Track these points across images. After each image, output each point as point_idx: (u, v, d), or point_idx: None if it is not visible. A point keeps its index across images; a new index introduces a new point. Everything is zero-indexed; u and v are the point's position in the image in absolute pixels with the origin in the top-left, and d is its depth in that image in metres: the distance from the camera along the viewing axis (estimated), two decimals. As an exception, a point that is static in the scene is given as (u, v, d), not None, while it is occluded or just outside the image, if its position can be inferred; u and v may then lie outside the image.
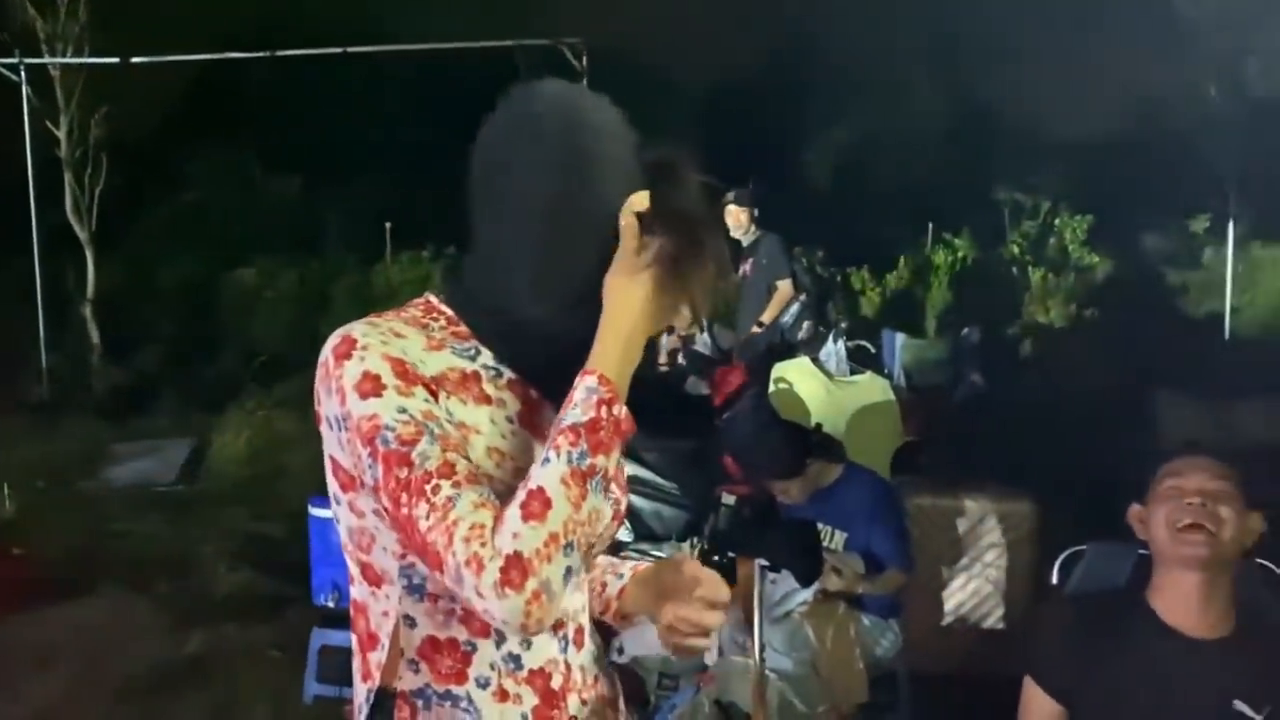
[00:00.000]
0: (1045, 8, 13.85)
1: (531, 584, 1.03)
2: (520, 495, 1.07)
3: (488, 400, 1.20)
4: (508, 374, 1.23)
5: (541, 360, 1.22)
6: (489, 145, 1.24)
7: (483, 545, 1.04)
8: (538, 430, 1.21)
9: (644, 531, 4.11)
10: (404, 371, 1.12)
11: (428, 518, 1.06)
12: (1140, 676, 1.92)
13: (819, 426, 3.48)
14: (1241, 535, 1.90)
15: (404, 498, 1.07)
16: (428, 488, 1.06)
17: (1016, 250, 11.50)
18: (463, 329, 1.24)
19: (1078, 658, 1.98)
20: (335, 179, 11.17)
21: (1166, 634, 1.93)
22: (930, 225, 11.49)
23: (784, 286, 5.58)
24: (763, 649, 2.72)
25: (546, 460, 1.08)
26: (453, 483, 1.07)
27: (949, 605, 3.84)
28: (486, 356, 1.23)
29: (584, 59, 7.52)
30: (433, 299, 1.28)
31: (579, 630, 1.28)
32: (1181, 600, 1.93)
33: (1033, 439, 5.38)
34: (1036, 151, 12.86)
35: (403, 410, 1.10)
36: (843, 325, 4.48)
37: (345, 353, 1.13)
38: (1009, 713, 2.05)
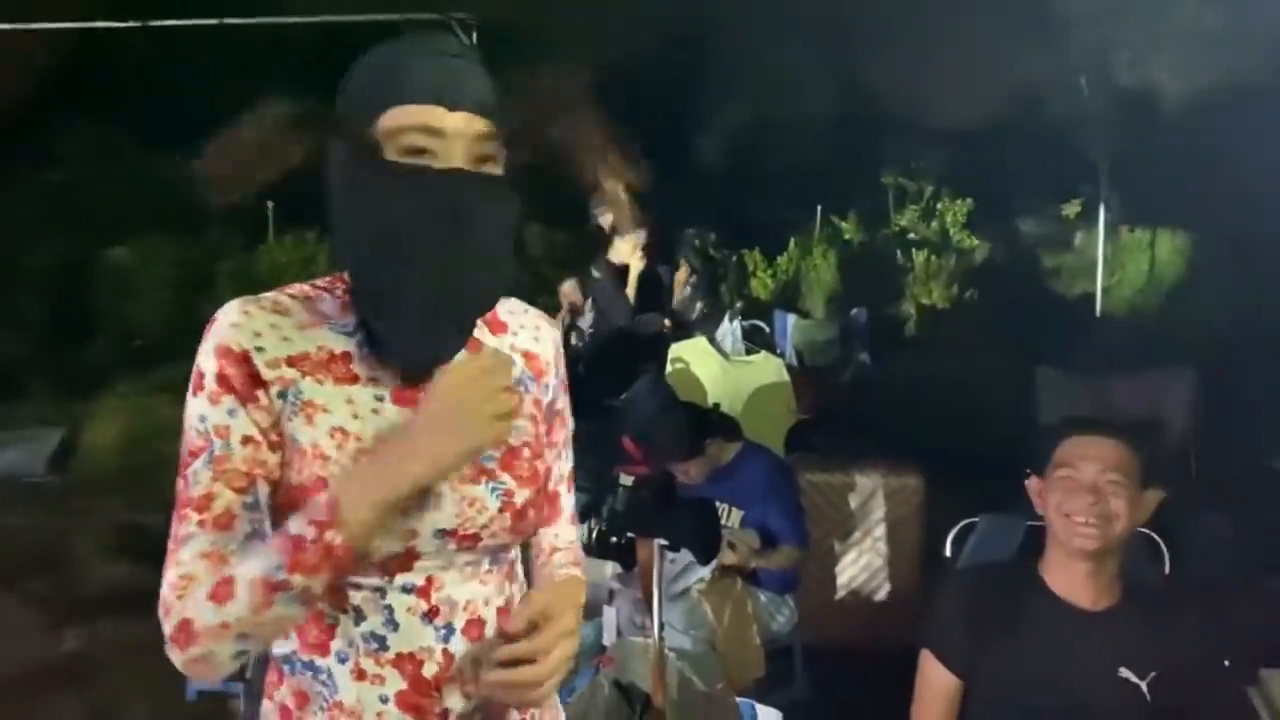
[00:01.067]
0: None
1: (195, 651, 1.09)
2: (223, 572, 1.10)
3: (353, 379, 1.19)
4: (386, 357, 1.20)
5: (388, 331, 1.19)
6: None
7: (178, 598, 1.10)
8: (415, 406, 1.19)
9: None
10: (222, 372, 1.14)
11: (170, 540, 1.13)
12: (1032, 647, 1.98)
13: (717, 406, 3.50)
14: (1134, 519, 1.96)
15: (175, 512, 1.15)
16: (181, 513, 1.13)
17: (900, 233, 11.77)
18: (349, 301, 1.22)
19: (973, 631, 2.03)
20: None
21: (1057, 606, 2.00)
22: (819, 208, 11.68)
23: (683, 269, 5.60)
24: (662, 628, 2.74)
25: (258, 555, 1.09)
26: (199, 521, 1.12)
27: (841, 579, 3.92)
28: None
29: (474, 35, 7.38)
30: (346, 275, 1.25)
31: (475, 622, 1.24)
32: (1071, 575, 1.99)
33: (918, 416, 5.54)
34: (920, 136, 13.17)
35: (202, 419, 1.15)
36: (738, 306, 4.51)
37: (206, 333, 1.17)
38: (901, 683, 2.10)
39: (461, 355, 1.19)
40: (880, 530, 3.84)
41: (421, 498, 1.17)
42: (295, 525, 1.09)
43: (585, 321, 6.96)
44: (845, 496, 3.85)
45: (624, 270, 5.34)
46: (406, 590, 1.20)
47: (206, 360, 1.16)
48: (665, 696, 2.81)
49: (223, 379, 1.15)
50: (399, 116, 1.13)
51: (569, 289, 6.80)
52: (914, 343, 9.30)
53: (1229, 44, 11.84)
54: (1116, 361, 4.79)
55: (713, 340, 4.28)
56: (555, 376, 1.36)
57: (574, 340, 7.08)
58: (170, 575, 1.11)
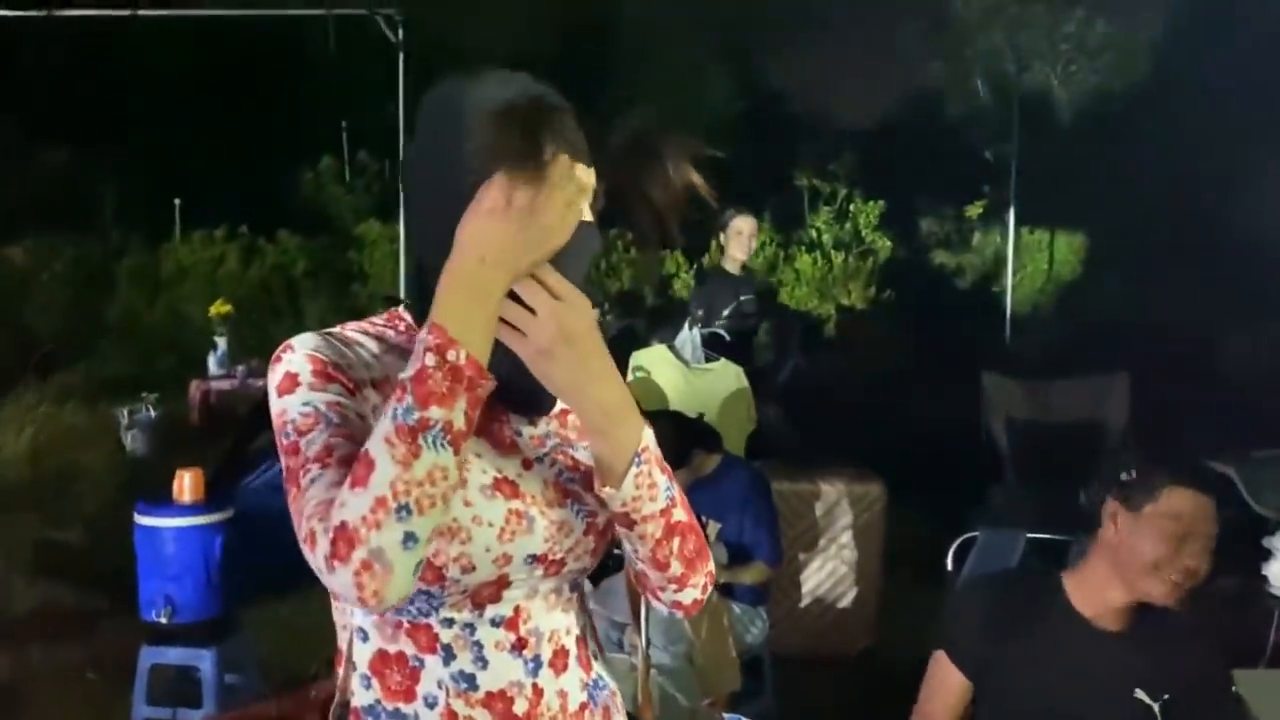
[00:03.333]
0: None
1: (359, 554, 0.96)
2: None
3: None
4: None
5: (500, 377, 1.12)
6: (415, 141, 1.19)
7: (320, 520, 0.99)
8: (495, 436, 1.18)
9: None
10: (322, 370, 1.09)
11: (295, 502, 1.03)
12: (1048, 660, 1.99)
13: (701, 416, 3.48)
14: None
15: (289, 489, 1.05)
16: (302, 472, 1.04)
17: (816, 234, 11.94)
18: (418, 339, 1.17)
19: (990, 636, 2.03)
20: (114, 150, 10.31)
21: (1077, 621, 2.00)
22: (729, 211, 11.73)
23: None
24: (648, 645, 2.70)
25: (383, 416, 1.01)
26: (322, 465, 1.03)
27: (806, 587, 3.93)
28: None
29: (399, 31, 7.21)
30: (399, 310, 1.24)
31: (560, 652, 1.20)
32: (1100, 596, 2.00)
33: (856, 418, 5.61)
34: (832, 138, 13.37)
35: (307, 404, 1.07)
36: (699, 313, 4.49)
37: (277, 358, 1.12)
38: (864, 688, 2.11)
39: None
40: (846, 537, 3.87)
41: (518, 521, 1.13)
42: (411, 366, 1.01)
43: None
44: (811, 505, 3.86)
45: None
46: (495, 624, 1.16)
47: (296, 364, 1.10)
48: (653, 715, 2.77)
49: (322, 374, 1.10)
50: (557, 171, 1.06)
51: None
52: (834, 344, 9.44)
53: (1115, 52, 12.40)
54: (1048, 365, 4.92)
55: (672, 348, 4.26)
56: None
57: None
58: (304, 517, 1.01)
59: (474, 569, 1.12)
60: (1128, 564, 1.95)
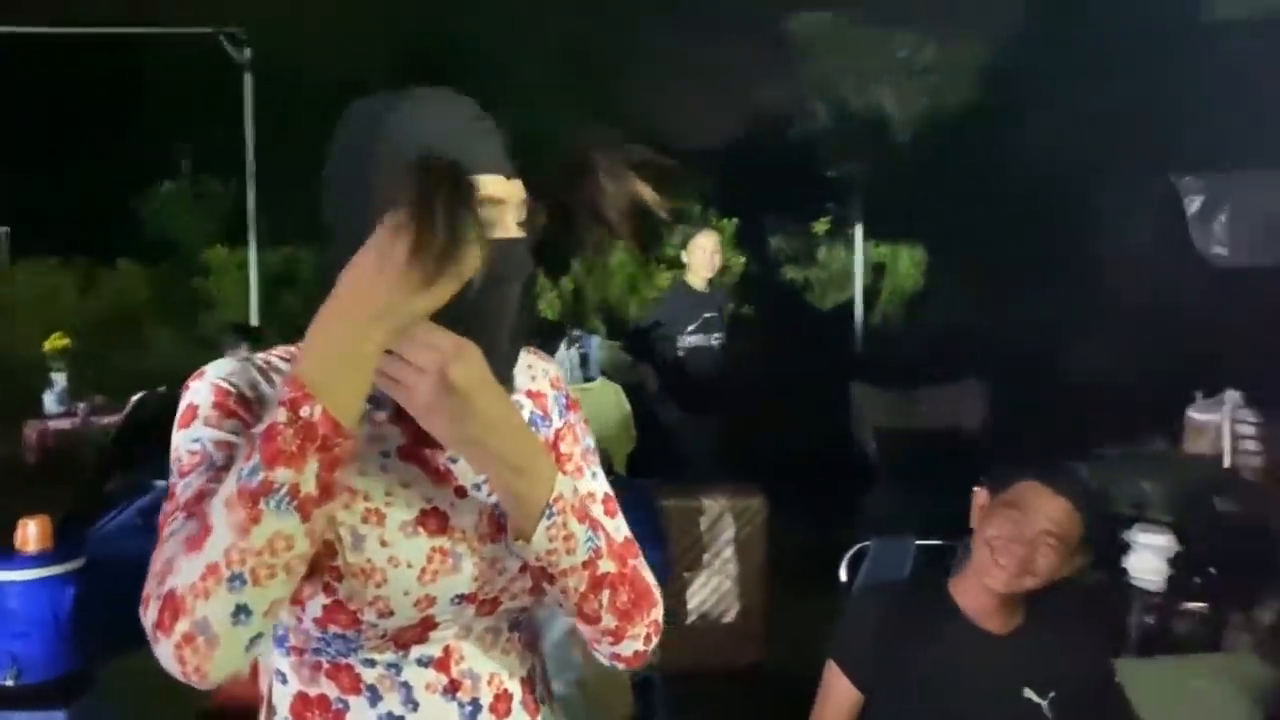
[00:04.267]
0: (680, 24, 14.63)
1: (183, 625, 0.88)
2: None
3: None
4: (392, 406, 1.08)
5: None
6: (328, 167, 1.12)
7: (158, 584, 0.91)
8: (426, 464, 1.11)
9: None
10: (223, 403, 1.03)
11: (155, 552, 0.95)
12: (939, 665, 2.02)
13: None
14: (1050, 577, 2.00)
15: (160, 532, 0.98)
16: (168, 520, 0.97)
17: (673, 252, 12.06)
18: None
19: (881, 646, 2.06)
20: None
21: (966, 627, 2.05)
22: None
23: None
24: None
25: (230, 475, 0.93)
26: (187, 514, 0.95)
27: (692, 604, 3.92)
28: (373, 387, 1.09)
29: (245, 50, 6.95)
30: None
31: (502, 696, 1.14)
32: (982, 600, 2.05)
33: (724, 432, 5.66)
34: (685, 158, 13.55)
35: (196, 440, 1.01)
36: (575, 333, 4.45)
37: (186, 385, 1.07)
38: (757, 700, 2.12)
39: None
40: (729, 551, 3.89)
41: (442, 559, 1.07)
42: (263, 421, 0.92)
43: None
44: (695, 520, 3.87)
45: None
46: (423, 664, 1.10)
47: (199, 395, 1.05)
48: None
49: (222, 406, 1.03)
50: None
51: None
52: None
53: (945, 72, 13.01)
54: (904, 373, 5.08)
55: (548, 369, 4.19)
56: (557, 407, 1.27)
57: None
58: (152, 571, 0.93)
59: (392, 613, 1.05)
60: (977, 543, 2.02)
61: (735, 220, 12.21)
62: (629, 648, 1.17)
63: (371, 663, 1.08)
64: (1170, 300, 4.06)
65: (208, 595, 0.88)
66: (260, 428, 0.92)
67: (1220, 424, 3.56)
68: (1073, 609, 2.19)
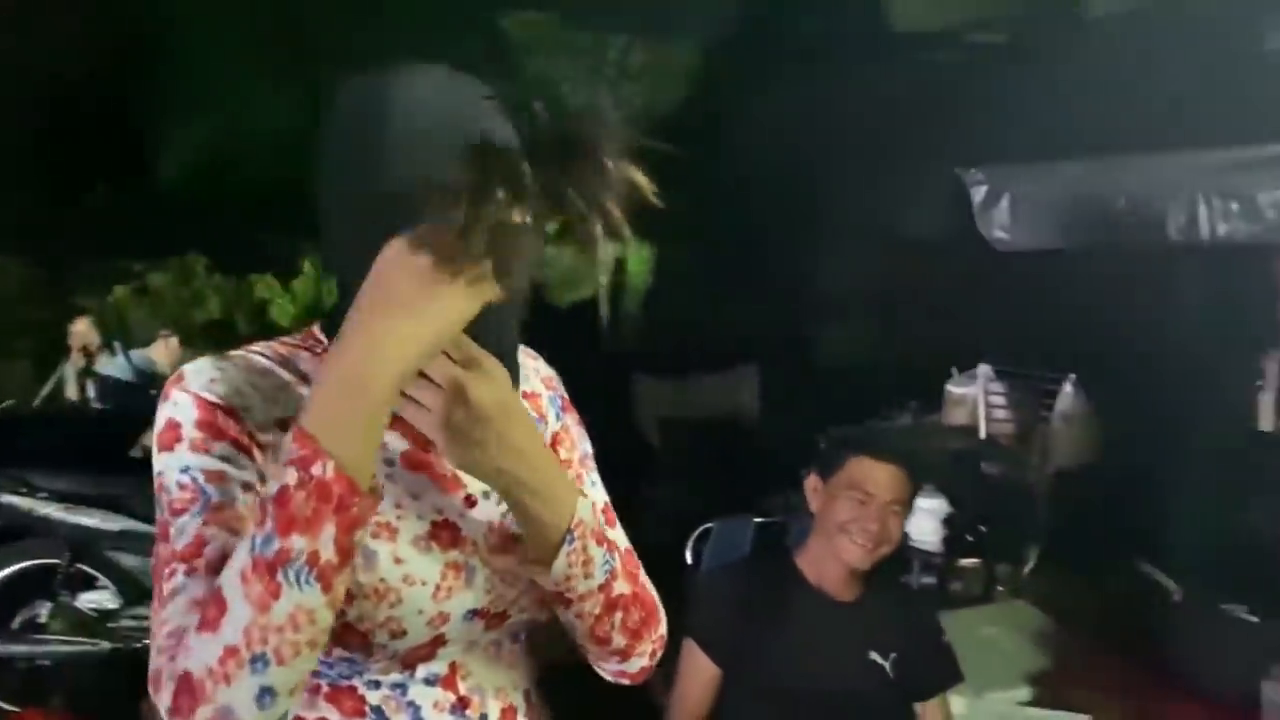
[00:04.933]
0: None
1: (205, 712, 0.81)
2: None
3: None
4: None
5: None
6: (323, 147, 1.00)
7: (169, 659, 0.84)
8: (431, 471, 1.02)
9: (142, 593, 3.54)
10: (210, 420, 0.93)
11: (155, 611, 0.88)
12: (792, 636, 2.12)
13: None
14: (900, 533, 2.16)
15: (154, 579, 0.91)
16: (167, 571, 0.89)
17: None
18: None
19: (736, 621, 2.12)
20: None
21: (814, 597, 2.16)
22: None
23: None
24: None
25: (239, 546, 0.85)
26: (188, 569, 0.87)
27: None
28: None
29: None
30: (316, 329, 1.06)
31: (508, 710, 1.09)
32: (830, 571, 2.16)
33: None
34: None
35: (186, 470, 0.91)
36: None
37: (166, 393, 0.96)
38: (606, 685, 2.15)
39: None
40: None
41: (456, 575, 1.00)
42: (272, 481, 0.83)
43: (106, 366, 6.13)
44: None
45: None
46: (430, 682, 1.03)
47: (181, 410, 0.94)
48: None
49: (208, 425, 0.93)
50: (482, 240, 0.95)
51: (83, 328, 5.98)
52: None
53: (657, 75, 13.55)
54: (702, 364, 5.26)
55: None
56: (553, 408, 1.20)
57: (88, 390, 6.21)
58: (157, 642, 0.85)
59: (405, 633, 0.98)
60: (827, 531, 2.13)
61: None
62: (635, 664, 1.12)
63: (376, 684, 1.00)
64: (947, 282, 4.46)
65: (229, 680, 0.80)
66: (271, 490, 0.83)
67: (975, 396, 3.94)
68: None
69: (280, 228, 11.77)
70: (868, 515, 2.07)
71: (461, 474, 1.04)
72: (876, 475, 2.09)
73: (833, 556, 2.14)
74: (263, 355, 1.00)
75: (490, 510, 1.05)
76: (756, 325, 4.79)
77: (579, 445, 1.20)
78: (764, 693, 2.11)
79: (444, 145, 0.93)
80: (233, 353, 0.99)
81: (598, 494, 1.19)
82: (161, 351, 6.37)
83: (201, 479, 0.90)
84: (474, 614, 1.03)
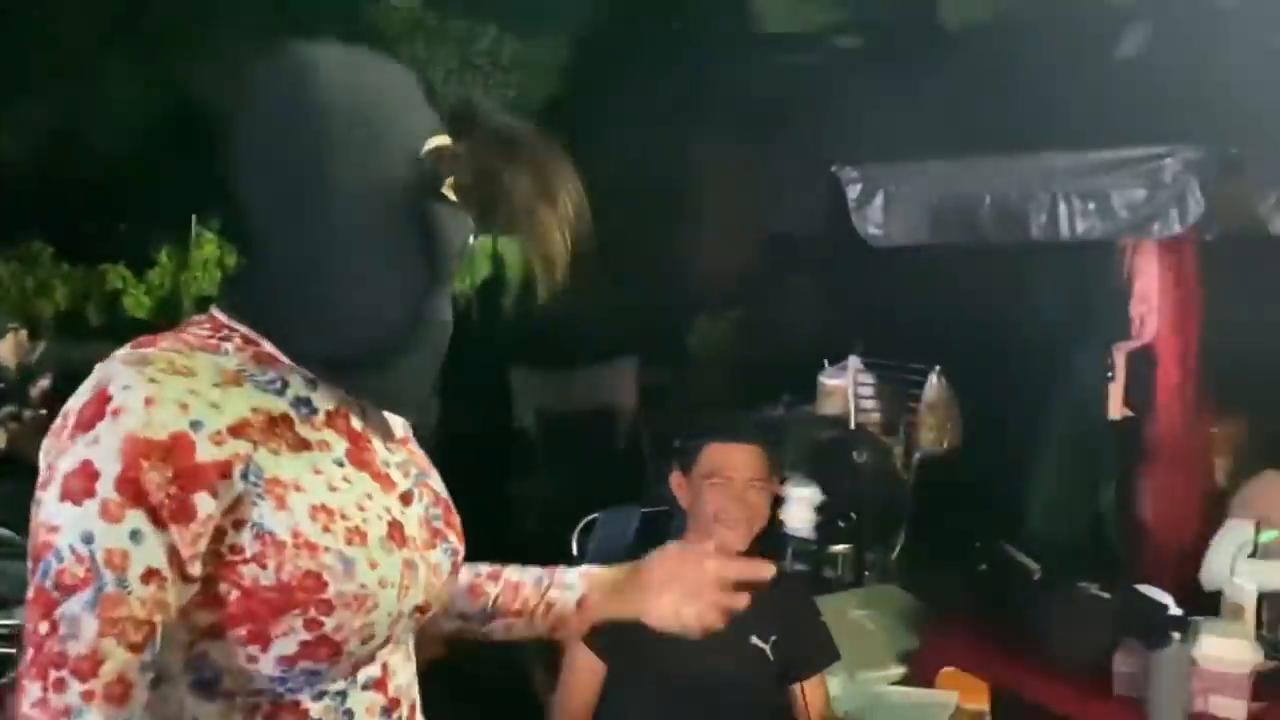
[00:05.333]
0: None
1: None
2: None
3: (305, 445, 0.95)
4: (322, 408, 0.98)
5: (389, 374, 0.99)
6: (256, 120, 0.96)
7: None
8: (371, 469, 1.00)
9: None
10: (135, 478, 0.83)
11: (33, 709, 0.82)
12: None
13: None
14: (768, 513, 2.21)
15: (30, 658, 0.83)
16: (54, 674, 0.82)
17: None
18: (264, 350, 0.96)
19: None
20: None
21: None
22: (194, 217, 10.90)
23: None
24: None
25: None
26: (83, 692, 0.82)
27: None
28: (297, 386, 0.97)
29: None
30: (219, 315, 0.98)
31: (413, 708, 1.07)
32: None
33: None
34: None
35: (88, 541, 0.82)
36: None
37: (90, 417, 0.84)
38: (501, 682, 2.15)
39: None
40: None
41: (409, 573, 0.97)
42: None
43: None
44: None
45: None
46: (366, 687, 1.00)
47: (104, 455, 0.83)
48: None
49: (130, 485, 0.83)
50: (438, 144, 0.95)
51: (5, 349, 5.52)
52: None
53: (528, 69, 13.52)
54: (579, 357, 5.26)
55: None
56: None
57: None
58: None
59: (374, 637, 0.95)
60: (701, 522, 2.17)
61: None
62: None
63: (322, 694, 0.96)
64: (825, 276, 4.57)
65: None
66: None
67: (846, 387, 4.07)
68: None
69: (134, 215, 11.27)
70: (731, 497, 2.12)
71: (393, 473, 1.03)
72: (732, 458, 2.13)
73: (706, 544, 2.17)
74: (181, 353, 0.91)
75: (419, 508, 1.04)
76: (635, 318, 4.83)
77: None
78: (649, 683, 2.13)
79: (396, 121, 0.95)
80: (146, 351, 0.90)
81: None
82: (9, 346, 5.98)
83: (101, 559, 0.82)
84: (415, 610, 1.01)
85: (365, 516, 0.95)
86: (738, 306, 4.84)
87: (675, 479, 2.22)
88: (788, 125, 3.58)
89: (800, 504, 3.72)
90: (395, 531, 0.98)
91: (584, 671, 2.16)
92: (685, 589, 1.34)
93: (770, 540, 3.57)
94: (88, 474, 0.83)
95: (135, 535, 0.83)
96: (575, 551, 2.60)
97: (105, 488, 0.83)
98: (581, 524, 2.63)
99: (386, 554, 0.96)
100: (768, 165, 3.39)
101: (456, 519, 1.09)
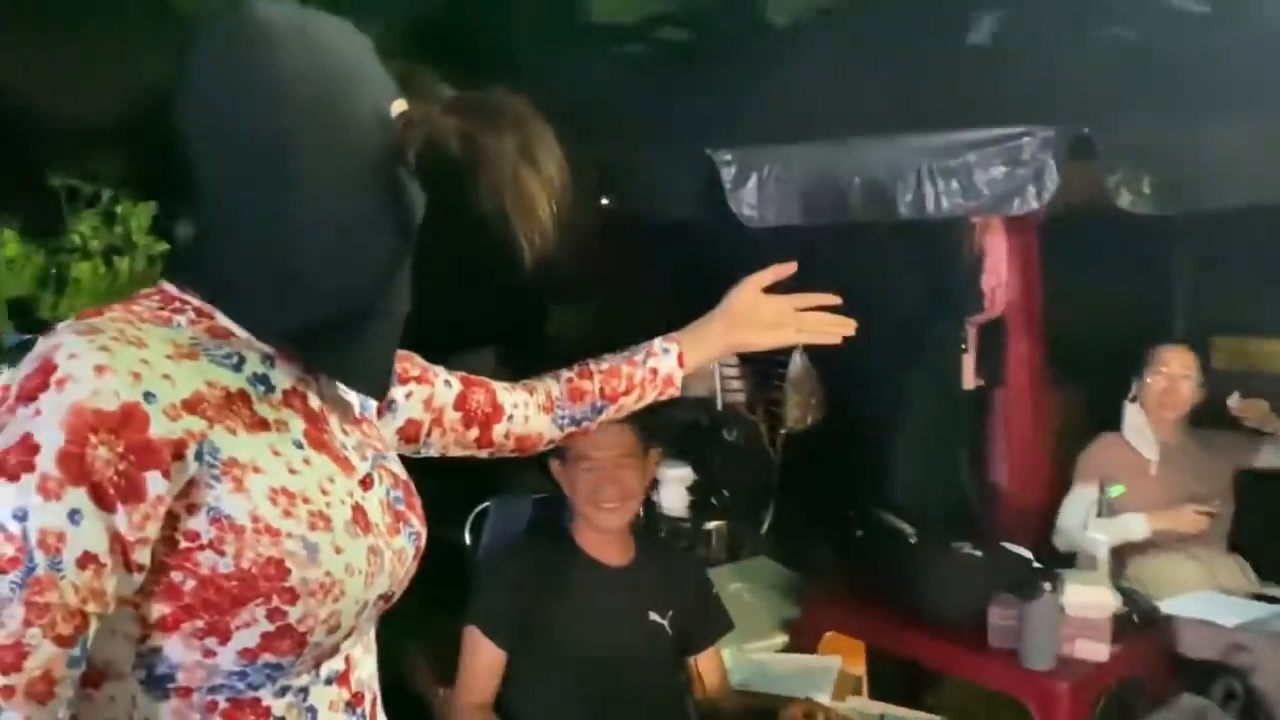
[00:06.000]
0: None
1: None
2: None
3: (263, 425, 0.90)
4: (280, 385, 0.94)
5: (353, 349, 0.96)
6: (209, 84, 0.90)
7: None
8: (331, 452, 0.95)
9: None
10: (80, 453, 0.77)
11: None
12: (574, 606, 2.17)
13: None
14: (646, 485, 2.25)
15: None
16: None
17: (81, 240, 10.75)
18: (219, 325, 0.91)
19: (520, 604, 2.15)
20: None
21: (593, 566, 2.22)
22: (-13, 214, 10.10)
23: None
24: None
25: None
26: (4, 686, 0.76)
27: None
28: (254, 362, 0.92)
29: None
30: (169, 287, 0.93)
31: (374, 703, 1.04)
32: (601, 540, 2.23)
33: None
34: (84, 136, 12.12)
35: (21, 517, 0.76)
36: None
37: (33, 388, 0.78)
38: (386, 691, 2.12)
39: None
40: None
41: (374, 559, 0.93)
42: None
43: None
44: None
45: None
46: (329, 681, 0.96)
47: (45, 427, 0.77)
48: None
49: (73, 460, 0.77)
50: (404, 109, 0.93)
51: None
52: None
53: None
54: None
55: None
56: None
57: None
58: None
59: (339, 627, 0.91)
60: (580, 505, 2.21)
61: (152, 204, 11.18)
62: None
63: (284, 690, 0.91)
64: (702, 257, 4.60)
65: None
66: None
67: (712, 368, 4.14)
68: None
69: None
70: (603, 479, 2.16)
71: (351, 456, 0.98)
72: (598, 438, 2.13)
73: (594, 528, 2.21)
74: (131, 324, 0.86)
75: (380, 491, 1.00)
76: (493, 307, 4.74)
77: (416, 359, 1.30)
78: (551, 667, 2.14)
79: (362, 82, 0.92)
80: (94, 320, 0.84)
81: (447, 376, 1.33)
82: None
83: (34, 539, 0.76)
84: (380, 598, 0.97)
85: (329, 500, 0.91)
86: (600, 293, 4.85)
87: (554, 466, 2.25)
88: (630, 115, 3.60)
89: (673, 484, 3.77)
90: (359, 516, 0.94)
91: (484, 661, 2.15)
92: (768, 313, 1.44)
93: (646, 520, 3.63)
94: (27, 447, 0.76)
95: (74, 515, 0.77)
96: (468, 541, 2.56)
97: (45, 462, 0.76)
98: (474, 514, 2.60)
99: (352, 539, 0.91)
100: (636, 153, 3.39)
101: (418, 501, 1.06)
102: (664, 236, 4.11)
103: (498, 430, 1.34)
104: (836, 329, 1.44)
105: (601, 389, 1.40)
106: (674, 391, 1.45)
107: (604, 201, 3.69)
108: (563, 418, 1.40)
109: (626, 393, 1.41)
